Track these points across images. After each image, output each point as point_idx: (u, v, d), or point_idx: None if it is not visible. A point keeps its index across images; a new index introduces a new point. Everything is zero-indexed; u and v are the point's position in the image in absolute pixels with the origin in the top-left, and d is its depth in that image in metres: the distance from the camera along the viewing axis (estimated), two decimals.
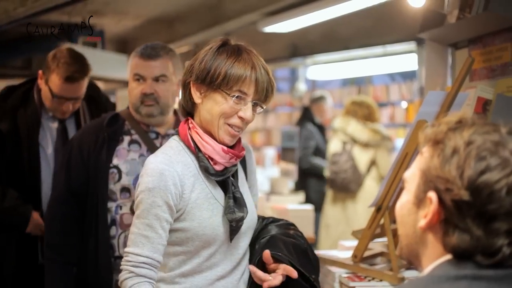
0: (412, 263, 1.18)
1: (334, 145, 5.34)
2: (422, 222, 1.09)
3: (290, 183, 5.94)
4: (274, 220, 2.05)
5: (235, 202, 1.83)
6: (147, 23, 7.94)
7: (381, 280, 2.22)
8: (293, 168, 5.29)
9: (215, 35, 7.80)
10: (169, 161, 1.79)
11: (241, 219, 1.83)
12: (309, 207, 4.33)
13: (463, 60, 2.33)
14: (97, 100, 3.06)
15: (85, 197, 2.42)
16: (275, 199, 4.69)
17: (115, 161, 2.42)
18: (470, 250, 1.04)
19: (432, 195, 1.08)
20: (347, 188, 5.09)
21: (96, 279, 2.39)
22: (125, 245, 2.30)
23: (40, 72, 2.84)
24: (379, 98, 7.47)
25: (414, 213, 1.13)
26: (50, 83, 2.78)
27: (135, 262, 1.76)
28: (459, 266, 1.05)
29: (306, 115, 6.18)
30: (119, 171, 2.41)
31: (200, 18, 7.35)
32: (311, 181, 5.88)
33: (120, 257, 2.29)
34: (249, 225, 1.90)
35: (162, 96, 2.42)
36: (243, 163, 2.01)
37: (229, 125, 1.79)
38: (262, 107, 1.85)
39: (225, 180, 1.85)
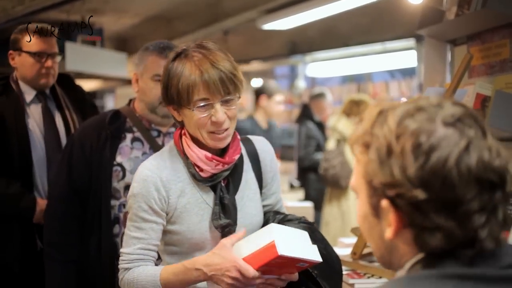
0: (391, 269, 1.08)
1: (330, 143, 5.38)
2: (388, 232, 0.98)
3: (290, 181, 5.94)
4: (291, 219, 1.95)
5: (222, 209, 1.81)
6: (146, 21, 7.93)
7: (380, 277, 2.22)
8: (292, 165, 5.29)
9: (214, 32, 7.83)
10: (156, 167, 1.81)
11: (227, 226, 1.80)
12: (309, 204, 4.33)
13: (462, 56, 2.33)
14: (72, 87, 3.15)
15: (87, 195, 2.41)
16: None
17: (118, 158, 2.40)
18: (446, 246, 0.94)
19: (385, 204, 0.96)
20: (337, 184, 5.11)
21: (99, 278, 2.39)
22: None
23: (9, 53, 2.96)
24: (379, 95, 7.46)
25: (376, 224, 1.02)
26: (25, 48, 2.90)
27: (128, 260, 1.80)
28: (439, 263, 0.95)
29: (305, 113, 6.18)
30: (123, 169, 2.40)
31: (199, 15, 7.35)
32: (311, 179, 5.88)
33: None
34: (247, 229, 1.84)
35: None
36: (257, 163, 1.96)
37: (211, 132, 1.76)
38: (239, 97, 1.79)
39: (215, 186, 1.84)
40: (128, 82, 9.66)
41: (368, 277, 2.24)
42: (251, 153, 1.95)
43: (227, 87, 1.72)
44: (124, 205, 2.39)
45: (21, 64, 2.94)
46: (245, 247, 1.70)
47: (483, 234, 0.93)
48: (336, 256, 1.91)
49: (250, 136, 2.02)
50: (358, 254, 2.31)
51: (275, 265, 1.65)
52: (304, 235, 1.78)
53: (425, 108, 0.96)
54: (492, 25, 2.37)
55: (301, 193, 5.94)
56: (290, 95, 9.11)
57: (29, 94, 2.97)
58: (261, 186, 1.95)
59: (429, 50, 2.79)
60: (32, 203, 2.84)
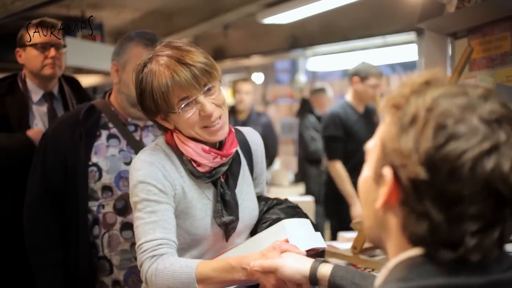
0: (378, 247, 1.03)
1: None
2: (379, 202, 0.92)
3: (290, 175, 5.94)
4: (278, 203, 1.97)
5: (224, 205, 1.77)
6: (146, 15, 7.91)
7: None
8: (293, 159, 5.29)
9: (214, 26, 7.81)
10: (156, 158, 1.75)
11: (231, 222, 1.77)
12: (310, 198, 4.33)
13: (462, 50, 2.32)
14: (79, 89, 3.14)
15: (64, 196, 2.30)
16: (275, 191, 4.69)
17: (94, 158, 2.29)
18: (428, 239, 0.88)
19: (387, 171, 0.91)
20: None
21: (80, 280, 2.30)
22: (109, 245, 2.26)
23: (16, 51, 3.00)
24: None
25: (374, 190, 0.96)
26: (29, 42, 2.93)
27: (152, 247, 1.66)
28: (424, 269, 0.88)
29: (305, 107, 6.18)
30: (99, 169, 2.29)
31: (199, 10, 7.33)
32: (312, 173, 5.88)
33: (104, 257, 2.26)
34: (246, 223, 1.85)
35: None
36: (249, 155, 1.94)
37: (205, 127, 1.72)
38: (220, 82, 1.74)
39: (215, 181, 1.80)
40: None
41: (369, 272, 2.23)
42: (243, 145, 1.92)
43: (202, 79, 1.67)
44: (103, 206, 2.30)
45: (27, 58, 2.95)
46: (262, 243, 1.68)
47: (470, 243, 0.86)
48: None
49: (239, 128, 1.98)
50: (359, 248, 2.30)
51: None
52: (308, 223, 1.79)
53: (469, 94, 0.89)
54: (493, 18, 2.36)
55: (301, 188, 5.94)
56: (291, 89, 9.10)
57: (36, 93, 2.96)
58: (253, 178, 1.95)
59: (430, 43, 2.78)
60: (29, 142, 2.77)
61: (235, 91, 5.78)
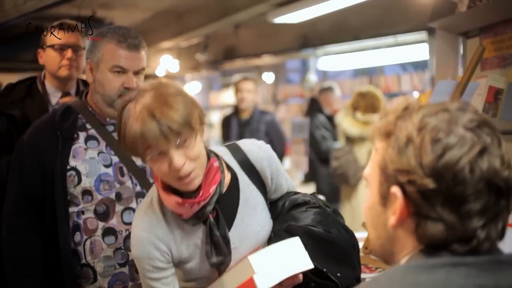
0: (388, 262, 1.12)
1: (340, 141, 5.37)
2: (392, 220, 1.03)
3: (300, 175, 5.93)
4: (300, 203, 1.89)
5: (214, 247, 1.72)
6: (157, 15, 7.93)
7: None
8: (303, 159, 5.27)
9: (225, 26, 7.82)
10: (149, 225, 1.71)
11: (221, 263, 1.72)
12: (321, 198, 4.32)
13: (474, 49, 2.31)
14: None
15: (42, 203, 2.18)
16: None
17: (72, 162, 2.17)
18: (445, 238, 0.99)
19: (395, 190, 1.02)
20: (346, 181, 5.08)
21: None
22: (91, 252, 2.18)
23: (37, 52, 3.02)
24: (391, 88, 7.44)
25: (382, 213, 1.06)
26: (48, 42, 2.94)
27: None
28: (435, 254, 1.00)
29: (314, 106, 6.17)
30: (78, 173, 2.16)
31: (210, 9, 7.34)
32: (322, 173, 5.87)
33: (87, 265, 2.19)
34: (252, 248, 1.79)
35: None
36: (255, 172, 1.82)
37: (178, 178, 1.62)
38: (203, 129, 1.64)
39: (205, 221, 1.73)
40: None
41: (380, 271, 2.23)
42: (245, 164, 1.82)
43: (171, 135, 1.55)
44: (83, 212, 2.18)
45: (46, 59, 2.96)
46: (229, 283, 1.67)
47: (481, 235, 0.98)
48: (348, 235, 1.85)
49: (238, 143, 1.87)
50: (370, 248, 2.29)
51: None
52: (293, 244, 1.68)
53: (449, 110, 1.02)
54: (505, 17, 2.34)
55: (312, 187, 5.93)
56: (302, 88, 9.09)
57: (54, 96, 2.97)
58: (265, 192, 1.85)
59: (441, 42, 2.77)
60: None
61: (236, 90, 5.75)
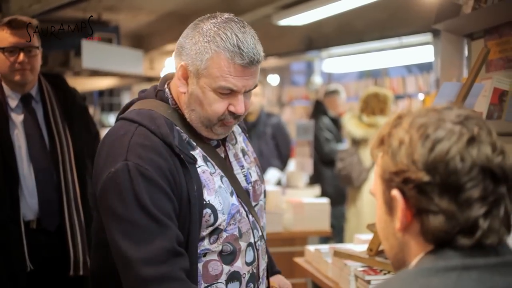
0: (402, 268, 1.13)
1: (345, 143, 5.38)
2: (397, 224, 1.05)
3: (305, 177, 5.91)
4: None
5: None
6: (162, 18, 7.95)
7: None
8: (308, 161, 5.26)
9: None
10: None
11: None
12: (325, 200, 4.32)
13: (479, 50, 2.31)
14: (63, 88, 2.95)
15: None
16: (291, 193, 4.68)
17: (205, 195, 1.65)
18: (447, 230, 1.00)
19: (395, 192, 1.04)
20: (350, 183, 5.09)
21: None
22: None
23: None
24: (396, 90, 7.43)
25: (390, 222, 1.08)
26: None
27: None
28: (445, 255, 1.00)
29: (319, 109, 6.17)
30: (214, 210, 1.66)
31: (215, 12, 7.34)
32: (327, 175, 5.87)
33: None
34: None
35: None
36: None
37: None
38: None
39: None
40: (144, 79, 9.70)
41: (385, 274, 2.22)
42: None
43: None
44: (205, 254, 1.68)
45: None
46: None
47: (484, 225, 0.99)
48: None
49: None
50: (374, 250, 2.29)
51: None
52: None
53: (437, 110, 1.05)
54: (510, 18, 2.34)
55: (317, 189, 5.93)
56: (307, 90, 9.09)
57: (13, 99, 2.76)
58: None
59: (446, 44, 2.77)
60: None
61: None
